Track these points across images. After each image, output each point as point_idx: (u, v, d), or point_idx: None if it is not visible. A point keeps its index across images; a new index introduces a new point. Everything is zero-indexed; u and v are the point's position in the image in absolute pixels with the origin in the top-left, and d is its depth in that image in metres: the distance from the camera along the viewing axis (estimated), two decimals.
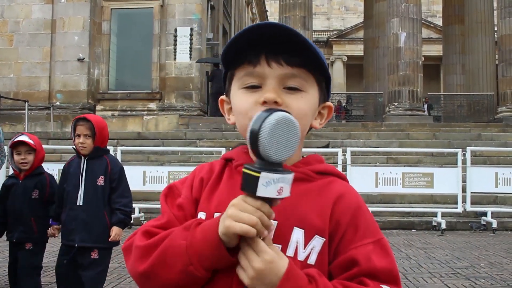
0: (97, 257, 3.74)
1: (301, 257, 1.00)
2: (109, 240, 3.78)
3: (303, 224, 1.01)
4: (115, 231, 3.76)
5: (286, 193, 0.91)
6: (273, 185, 0.89)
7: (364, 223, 1.03)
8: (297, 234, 1.00)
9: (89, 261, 3.73)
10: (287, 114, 0.92)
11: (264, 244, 0.91)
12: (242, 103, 1.05)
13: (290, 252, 0.99)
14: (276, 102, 1.01)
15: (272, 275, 0.90)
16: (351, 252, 0.99)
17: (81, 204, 3.72)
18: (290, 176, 0.91)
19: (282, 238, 0.98)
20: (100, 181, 3.75)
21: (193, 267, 0.93)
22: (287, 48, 1.01)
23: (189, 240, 0.94)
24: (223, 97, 1.17)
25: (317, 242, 1.01)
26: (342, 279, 0.99)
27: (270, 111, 0.92)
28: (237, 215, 0.89)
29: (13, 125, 17.50)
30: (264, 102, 1.01)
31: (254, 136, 0.90)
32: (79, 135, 3.72)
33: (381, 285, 0.97)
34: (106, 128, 3.85)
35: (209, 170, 1.13)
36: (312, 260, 1.00)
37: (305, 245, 1.00)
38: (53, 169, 11.36)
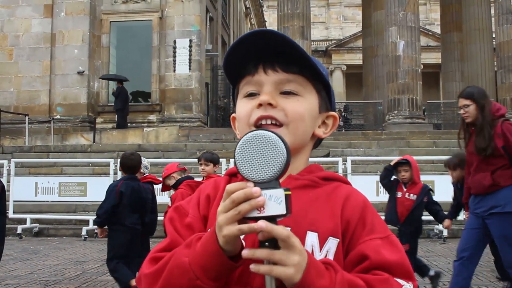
0: None
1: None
2: None
3: (315, 227, 1.02)
4: None
5: (270, 210, 0.85)
6: None
7: (370, 220, 1.05)
8: (312, 238, 1.01)
9: None
10: (264, 132, 0.88)
11: (295, 239, 0.87)
12: (242, 110, 1.09)
13: None
14: (270, 104, 1.04)
15: (304, 263, 0.88)
16: (360, 246, 1.01)
17: None
18: (271, 192, 0.86)
19: None
20: None
21: (200, 281, 0.92)
22: (284, 56, 1.04)
23: (191, 256, 0.93)
24: (234, 114, 1.18)
25: (332, 243, 1.02)
26: (355, 273, 0.99)
27: (252, 131, 0.90)
28: (227, 219, 0.87)
29: (14, 139, 17.54)
30: (260, 105, 1.04)
31: (234, 156, 0.89)
32: None
33: (395, 279, 0.97)
34: None
35: (215, 187, 1.13)
36: None
37: (321, 247, 1.01)
38: (53, 182, 11.40)
